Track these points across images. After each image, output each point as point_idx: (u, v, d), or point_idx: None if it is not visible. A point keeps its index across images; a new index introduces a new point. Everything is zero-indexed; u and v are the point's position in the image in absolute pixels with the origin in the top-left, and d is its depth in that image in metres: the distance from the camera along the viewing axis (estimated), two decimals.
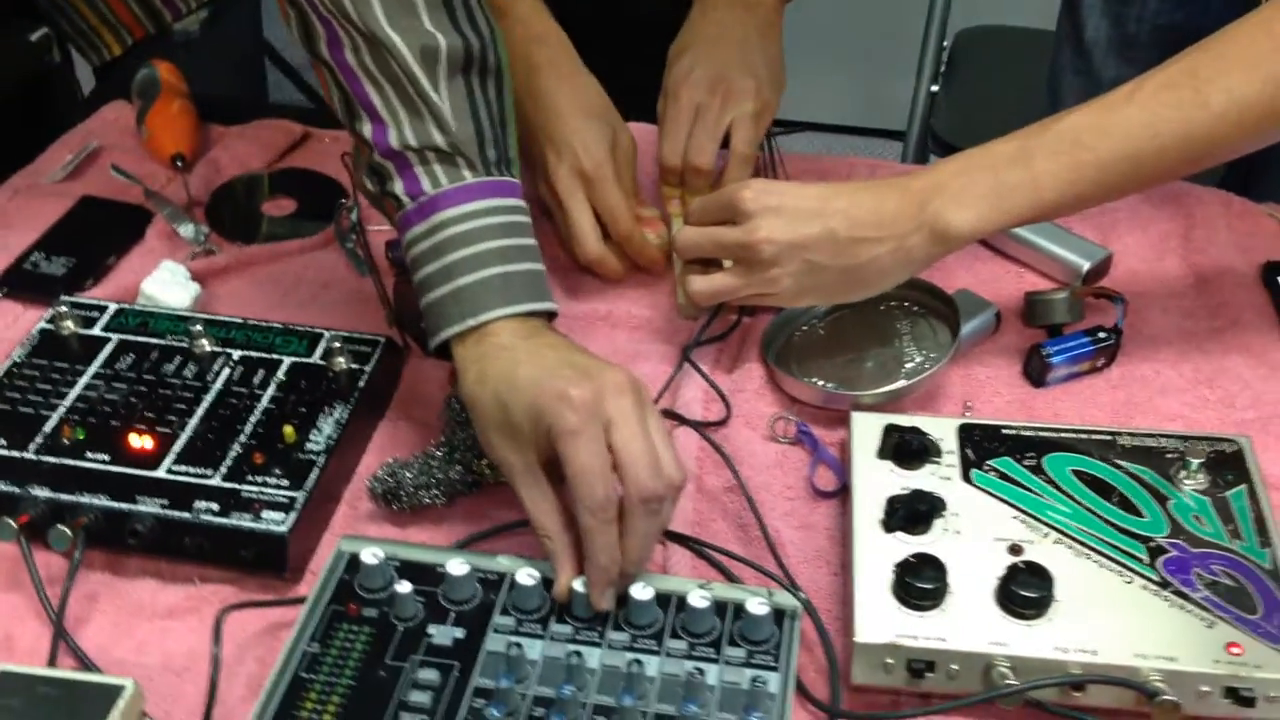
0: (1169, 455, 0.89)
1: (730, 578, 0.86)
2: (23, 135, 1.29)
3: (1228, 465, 0.88)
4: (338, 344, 0.96)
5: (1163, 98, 0.89)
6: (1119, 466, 0.88)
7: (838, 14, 2.83)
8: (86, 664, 0.81)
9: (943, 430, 0.91)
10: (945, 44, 2.30)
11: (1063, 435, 0.91)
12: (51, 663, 0.81)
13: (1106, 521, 0.84)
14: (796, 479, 0.94)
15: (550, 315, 0.88)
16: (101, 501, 0.85)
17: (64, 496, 0.86)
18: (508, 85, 0.92)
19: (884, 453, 0.90)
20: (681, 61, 1.08)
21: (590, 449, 0.77)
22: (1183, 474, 0.87)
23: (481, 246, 0.85)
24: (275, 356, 0.97)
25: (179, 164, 1.20)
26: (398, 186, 0.87)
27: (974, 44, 2.32)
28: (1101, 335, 1.01)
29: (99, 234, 1.14)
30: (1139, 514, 0.85)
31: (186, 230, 1.14)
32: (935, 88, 2.20)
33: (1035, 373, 1.01)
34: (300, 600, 0.82)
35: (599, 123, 1.05)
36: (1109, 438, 0.90)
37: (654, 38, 1.13)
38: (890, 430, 0.90)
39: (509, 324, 0.84)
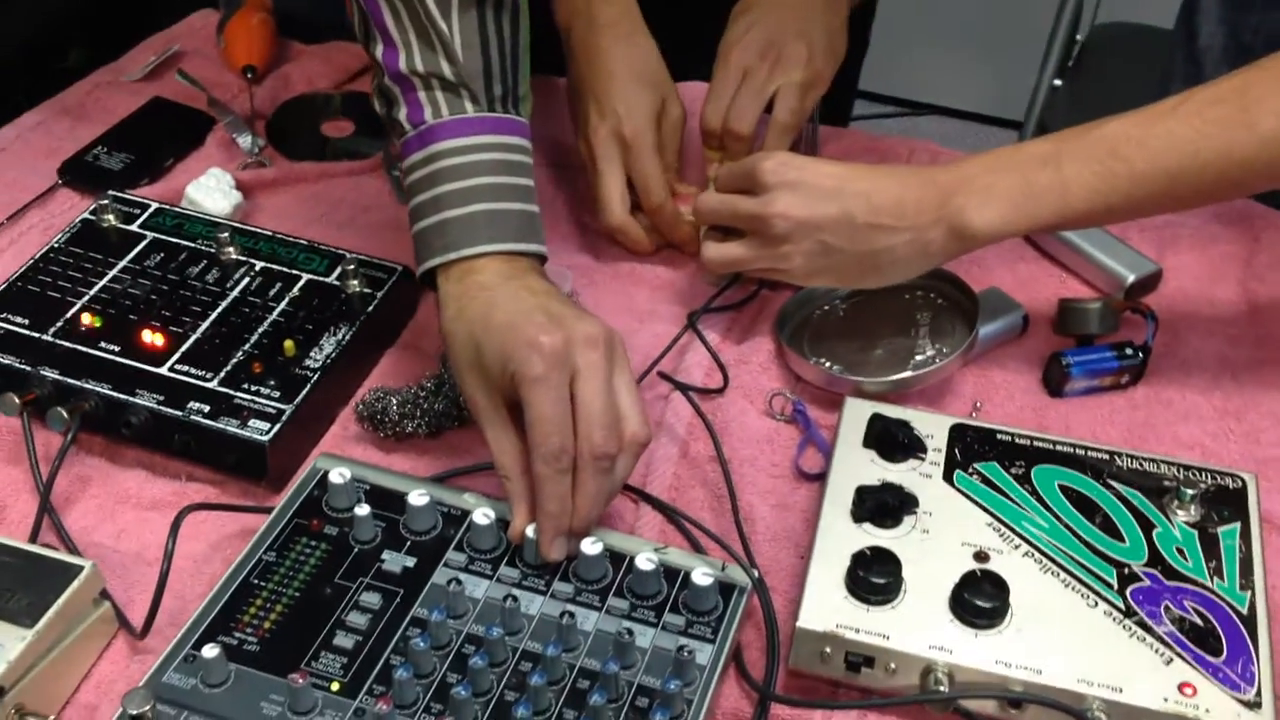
0: (1166, 482, 0.85)
1: (696, 546, 0.86)
2: (117, 34, 1.33)
3: (1227, 501, 0.84)
4: (353, 266, 0.98)
5: (1208, 114, 0.85)
6: (1109, 487, 0.85)
7: (980, 1, 2.76)
8: (65, 540, 0.84)
9: (934, 427, 0.89)
10: (1078, 38, 2.23)
11: (1057, 448, 0.88)
12: (34, 537, 0.84)
13: (1082, 541, 0.82)
14: (784, 457, 0.93)
15: (540, 258, 0.88)
16: (103, 389, 0.89)
17: (69, 380, 0.89)
18: (524, 22, 0.92)
19: (868, 441, 0.88)
20: (739, 23, 1.06)
21: (550, 397, 0.77)
22: (1176, 503, 0.84)
23: (474, 181, 0.85)
24: (295, 272, 0.99)
25: (249, 75, 1.22)
26: (401, 112, 0.88)
27: (1108, 41, 2.24)
28: (1128, 351, 0.97)
29: (162, 135, 1.18)
30: (1119, 538, 0.82)
31: (244, 140, 1.16)
32: (1058, 82, 2.13)
33: (1053, 382, 0.98)
34: (268, 510, 0.84)
35: (648, 89, 1.05)
36: (1106, 456, 0.87)
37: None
38: (876, 420, 0.88)
39: (493, 262, 0.84)
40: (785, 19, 1.05)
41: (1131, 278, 1.04)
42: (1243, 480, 0.85)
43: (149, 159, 1.14)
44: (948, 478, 0.86)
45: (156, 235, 1.01)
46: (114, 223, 1.02)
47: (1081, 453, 0.88)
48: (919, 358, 0.96)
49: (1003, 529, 0.82)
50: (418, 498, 0.82)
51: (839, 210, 0.90)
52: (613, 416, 0.78)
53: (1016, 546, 0.81)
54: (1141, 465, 0.87)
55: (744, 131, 1.02)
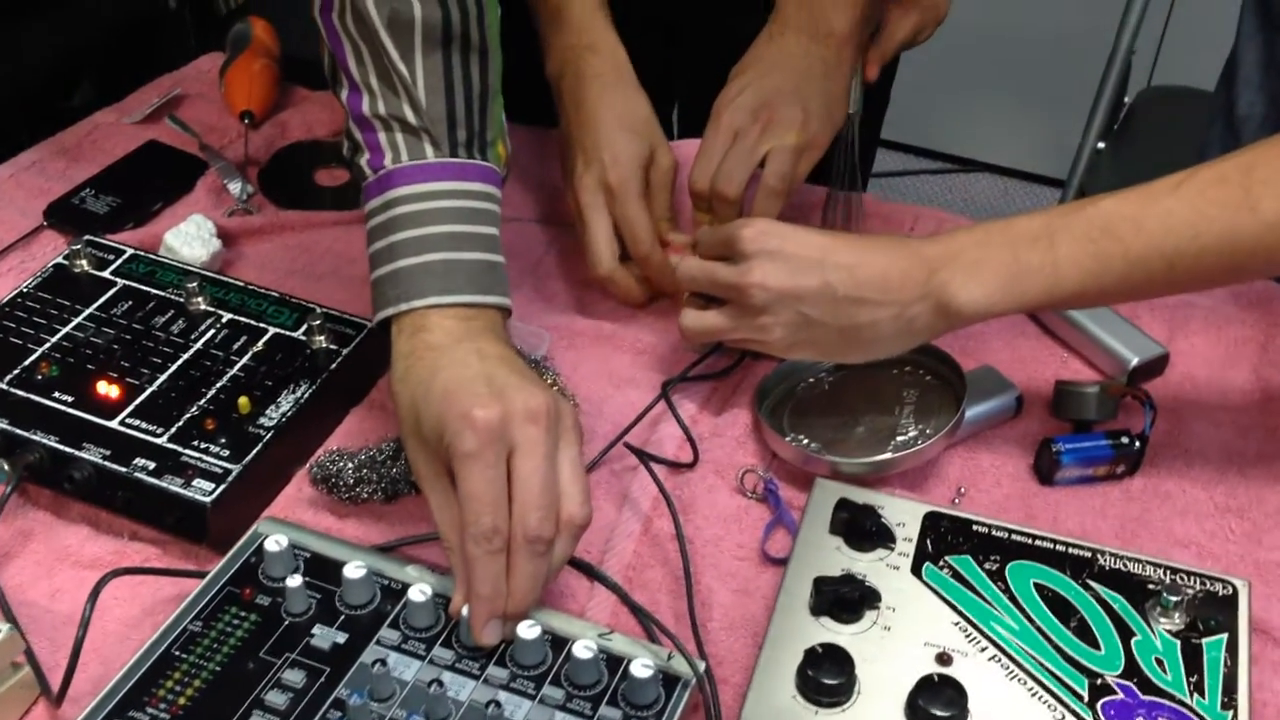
0: (1150, 586, 0.80)
1: (649, 631, 0.81)
2: (127, 73, 1.33)
3: (1215, 609, 0.79)
4: (319, 322, 0.95)
5: (1210, 194, 0.80)
6: (1089, 588, 0.80)
7: (1029, 58, 2.71)
8: None
9: (906, 514, 0.84)
10: (1126, 100, 2.17)
11: (1036, 543, 0.83)
12: None
13: (1055, 646, 0.76)
14: (751, 538, 0.88)
15: (504, 311, 0.84)
16: (49, 442, 0.86)
17: (17, 430, 0.87)
18: (494, 65, 0.89)
19: (835, 528, 0.84)
20: (734, 83, 1.03)
21: (482, 476, 0.73)
22: (1159, 609, 0.78)
23: (430, 229, 0.82)
24: (261, 325, 0.97)
25: (246, 120, 1.21)
26: (364, 157, 0.85)
27: (1156, 104, 2.19)
28: (1124, 440, 0.92)
29: (152, 179, 1.16)
30: (1094, 645, 0.77)
31: (234, 186, 1.15)
32: (1101, 144, 2.08)
33: (1043, 469, 0.92)
34: (203, 574, 0.81)
35: (635, 137, 1.02)
36: (1088, 554, 0.82)
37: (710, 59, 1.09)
38: (843, 505, 0.84)
39: (446, 318, 0.81)
40: (781, 81, 1.01)
41: (1135, 360, 0.99)
42: (1234, 587, 0.80)
43: (136, 203, 1.13)
44: (916, 570, 0.81)
45: (127, 282, 1.00)
46: (86, 268, 1.00)
47: (1062, 549, 0.82)
48: (900, 438, 0.92)
49: (970, 629, 0.78)
50: (354, 570, 0.78)
51: (820, 282, 0.86)
52: (551, 497, 0.74)
53: (983, 649, 0.76)
54: (1125, 566, 0.81)
55: (731, 194, 0.99)
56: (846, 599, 0.78)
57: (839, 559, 0.82)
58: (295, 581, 0.78)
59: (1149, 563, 0.81)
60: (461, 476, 0.74)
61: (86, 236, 1.03)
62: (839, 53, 1.04)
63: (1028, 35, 2.71)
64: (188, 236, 1.05)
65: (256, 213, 1.13)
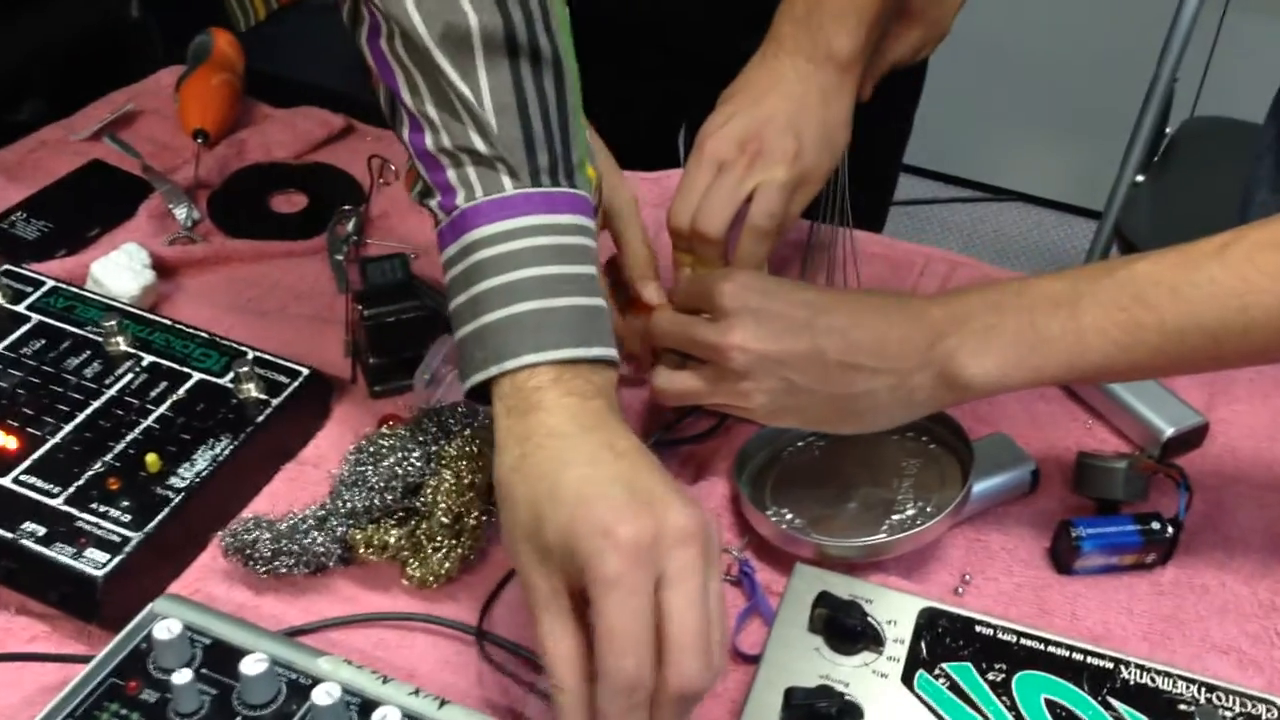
0: (1181, 706, 0.68)
1: None
2: (86, 88, 1.24)
3: None
4: (246, 369, 0.85)
5: (1261, 261, 0.69)
6: (1109, 707, 0.68)
7: (1067, 84, 2.59)
8: None
9: (899, 610, 0.73)
10: (1168, 130, 2.05)
11: (1049, 649, 0.71)
12: None
13: None
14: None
15: (610, 364, 0.70)
16: None
17: None
18: (571, 78, 0.76)
19: (815, 625, 0.72)
20: (721, 110, 0.92)
21: (630, 607, 0.59)
22: None
23: (518, 275, 0.69)
24: (185, 370, 0.87)
25: (199, 140, 1.11)
26: (434, 200, 0.73)
27: (1200, 135, 2.06)
28: (1154, 526, 0.80)
29: (92, 202, 1.07)
30: None
31: (180, 212, 1.05)
32: (1140, 178, 1.96)
33: (1061, 556, 0.81)
34: (84, 660, 0.71)
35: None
36: (1110, 665, 0.71)
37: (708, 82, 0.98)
38: (823, 600, 0.72)
39: (560, 389, 0.67)
40: (774, 109, 0.90)
41: (1170, 432, 0.87)
42: (1278, 709, 0.68)
43: (71, 228, 1.04)
44: (908, 679, 0.70)
45: (43, 318, 0.90)
46: (1, 301, 0.91)
47: (1079, 658, 0.71)
48: (897, 516, 0.80)
49: None
50: (253, 664, 0.68)
51: (809, 346, 0.76)
52: (707, 640, 0.60)
53: None
54: (1153, 680, 0.70)
55: (712, 233, 0.88)
56: (822, 715, 0.66)
57: (817, 663, 0.71)
58: (184, 677, 0.67)
59: (1181, 677, 0.70)
60: (601, 609, 0.59)
61: (6, 266, 0.94)
62: (840, 79, 0.93)
63: (1065, 60, 2.59)
64: (117, 267, 0.95)
65: (201, 241, 1.03)
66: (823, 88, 0.92)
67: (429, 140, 0.72)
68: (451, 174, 0.72)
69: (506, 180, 0.70)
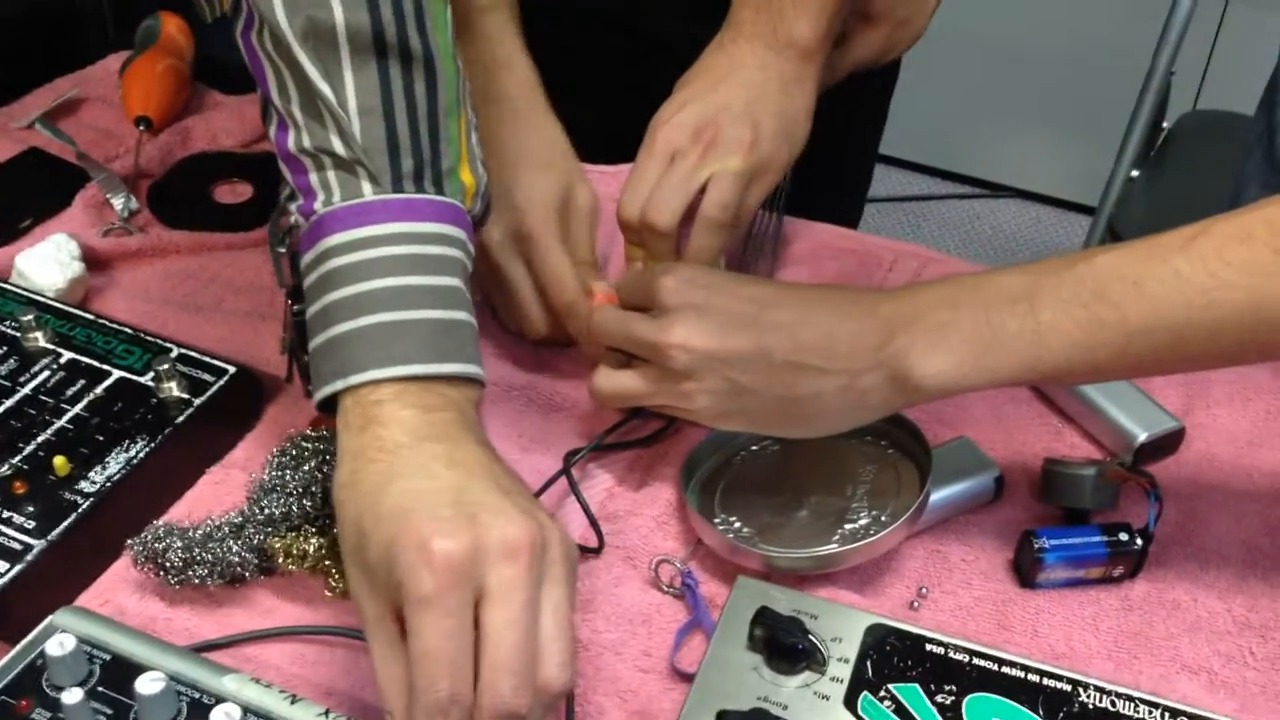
0: None
1: None
2: (35, 74, 1.19)
3: None
4: (166, 366, 0.81)
5: (1230, 254, 0.64)
6: None
7: (1064, 78, 2.54)
8: None
9: (845, 626, 0.69)
10: (1165, 125, 2.00)
11: (1003, 670, 0.67)
12: None
13: None
14: (662, 645, 0.73)
15: (476, 384, 0.67)
16: None
17: None
18: (445, 79, 0.71)
19: (754, 642, 0.68)
20: (676, 97, 0.87)
21: (442, 628, 0.56)
22: None
23: (369, 286, 0.65)
24: (105, 367, 0.82)
25: (142, 127, 1.07)
26: (296, 203, 0.69)
27: (1197, 130, 2.01)
28: (1122, 537, 0.75)
29: (25, 192, 1.03)
30: None
31: (117, 202, 1.01)
32: (1135, 173, 1.91)
33: (1024, 568, 0.76)
34: None
35: (549, 174, 0.86)
36: (1068, 687, 0.66)
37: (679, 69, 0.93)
38: (763, 617, 0.68)
39: (402, 407, 0.63)
40: (730, 97, 0.86)
41: (1143, 436, 0.82)
42: None
43: (2, 219, 0.99)
44: (850, 702, 0.65)
45: None
46: None
47: (1035, 679, 0.66)
48: (849, 525, 0.76)
49: None
50: (150, 683, 0.64)
51: (753, 344, 0.71)
52: (529, 658, 0.57)
53: None
54: (1114, 704, 0.65)
55: (662, 225, 0.83)
56: None
57: (755, 684, 0.66)
58: (74, 696, 0.63)
59: (1143, 701, 0.65)
60: (414, 627, 0.56)
61: None
62: (801, 67, 0.88)
63: (1065, 53, 2.54)
64: (43, 260, 0.91)
65: (137, 232, 0.99)
66: (783, 76, 0.87)
67: (292, 140, 0.69)
68: (313, 177, 0.68)
69: (366, 185, 0.67)
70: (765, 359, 0.71)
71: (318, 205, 0.68)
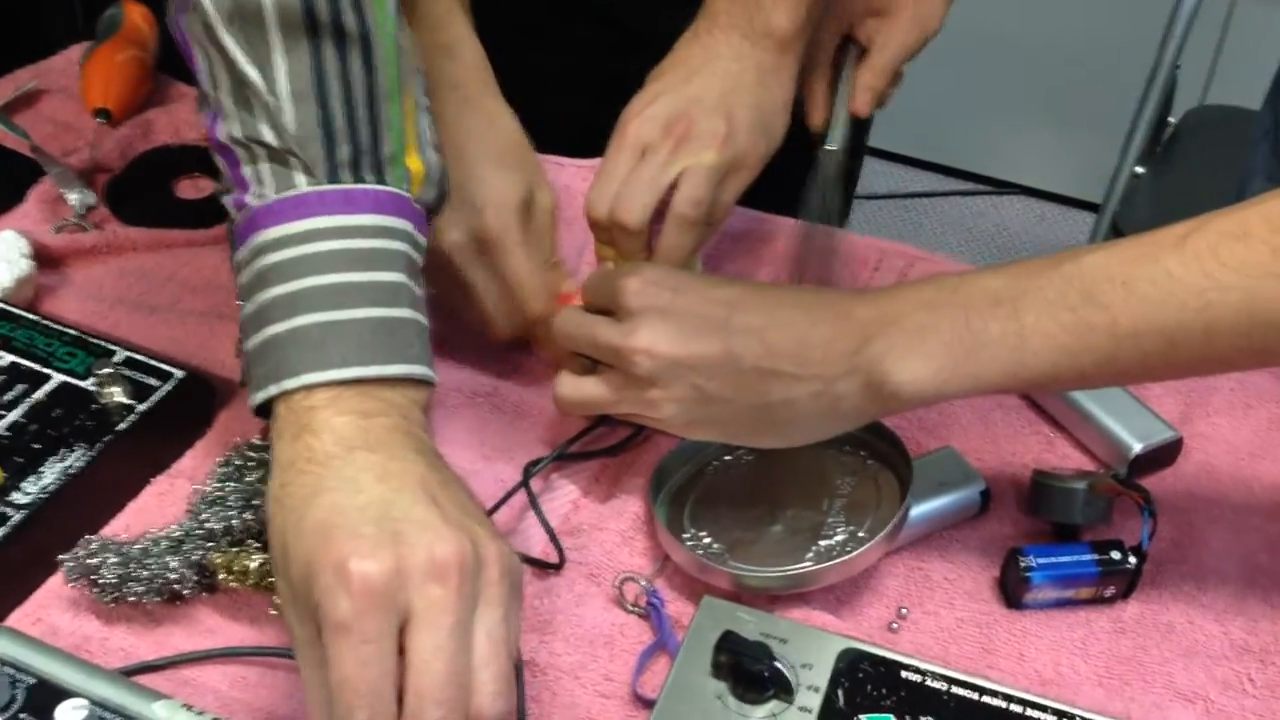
0: None
1: None
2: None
3: None
4: (109, 371, 0.77)
5: (1226, 253, 0.60)
6: None
7: (1069, 72, 2.49)
8: None
9: (815, 651, 0.65)
10: (1171, 120, 1.95)
11: (983, 699, 0.63)
12: None
13: None
14: (624, 669, 0.69)
15: (423, 385, 0.63)
16: None
17: None
18: (384, 57, 0.66)
19: (717, 668, 0.64)
20: (648, 90, 0.83)
21: (359, 656, 0.52)
22: None
23: (304, 283, 0.61)
24: (46, 370, 0.79)
25: (101, 119, 1.03)
26: (228, 195, 0.65)
27: (1204, 126, 1.96)
28: (1114, 556, 0.71)
29: None
30: None
31: (73, 198, 0.97)
32: (1140, 169, 1.86)
33: (1010, 588, 0.72)
34: None
35: (508, 172, 0.82)
36: (1053, 718, 0.62)
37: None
38: (727, 642, 0.64)
39: (337, 413, 0.58)
40: (703, 89, 0.81)
41: (1138, 448, 0.78)
42: None
43: None
44: None
45: None
46: None
47: (1018, 709, 0.62)
48: (825, 542, 0.72)
49: None
50: (71, 711, 0.60)
51: (721, 349, 0.67)
52: (459, 686, 0.53)
53: None
54: None
55: (631, 223, 0.79)
56: None
57: (719, 713, 0.62)
58: None
59: None
60: (330, 655, 0.52)
61: None
62: (779, 56, 0.84)
63: (1069, 46, 2.49)
64: None
65: (91, 229, 0.95)
66: (760, 67, 0.83)
67: (222, 129, 0.65)
68: (246, 169, 0.64)
69: (300, 177, 0.63)
70: (734, 365, 0.67)
71: (250, 199, 0.64)
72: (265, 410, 0.62)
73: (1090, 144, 2.56)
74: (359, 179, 0.64)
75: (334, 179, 0.63)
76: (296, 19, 0.64)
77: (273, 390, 0.60)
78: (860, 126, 1.06)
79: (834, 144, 0.88)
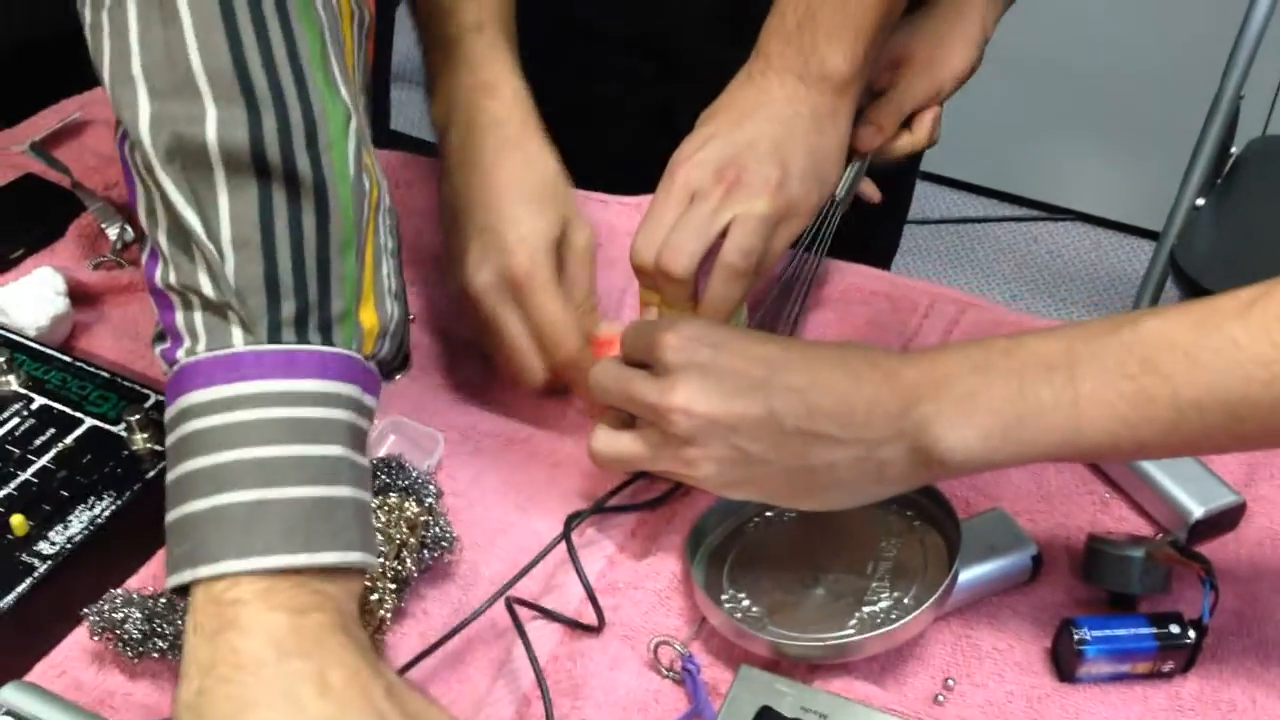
0: None
1: None
2: (39, 95, 1.15)
3: None
4: (139, 415, 0.75)
5: None
6: None
7: (1130, 98, 2.45)
8: None
9: None
10: (1233, 150, 1.91)
11: None
12: None
13: None
14: None
15: (360, 573, 0.59)
16: None
17: None
18: (341, 208, 0.61)
19: None
20: (699, 133, 0.81)
21: None
22: None
23: (231, 455, 0.56)
24: (78, 414, 0.77)
25: None
26: (161, 345, 0.61)
27: (1267, 157, 1.91)
28: (1173, 629, 0.68)
29: (18, 221, 0.98)
30: None
31: (112, 232, 0.96)
32: (1201, 201, 1.82)
33: (1063, 660, 0.69)
34: None
35: (542, 210, 0.80)
36: None
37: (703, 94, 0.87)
38: (764, 717, 0.61)
39: (267, 609, 0.54)
40: (756, 133, 0.79)
41: (1199, 513, 0.75)
42: None
43: None
44: None
45: None
46: None
47: None
48: (869, 609, 0.69)
49: None
50: None
51: (762, 410, 0.65)
52: None
53: None
54: None
55: (678, 271, 0.77)
56: None
57: None
58: None
59: None
60: None
61: None
62: (835, 100, 0.81)
63: (1129, 71, 2.45)
64: (23, 296, 0.86)
65: (129, 266, 0.94)
66: (815, 111, 0.81)
67: (159, 273, 0.60)
68: (180, 316, 0.60)
69: (236, 333, 0.58)
70: (775, 426, 0.65)
71: (180, 354, 0.59)
72: (182, 591, 0.57)
73: (1148, 171, 2.51)
74: (303, 339, 0.59)
75: (275, 338, 0.58)
76: (244, 161, 0.59)
77: (187, 576, 0.55)
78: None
79: (840, 192, 0.88)
